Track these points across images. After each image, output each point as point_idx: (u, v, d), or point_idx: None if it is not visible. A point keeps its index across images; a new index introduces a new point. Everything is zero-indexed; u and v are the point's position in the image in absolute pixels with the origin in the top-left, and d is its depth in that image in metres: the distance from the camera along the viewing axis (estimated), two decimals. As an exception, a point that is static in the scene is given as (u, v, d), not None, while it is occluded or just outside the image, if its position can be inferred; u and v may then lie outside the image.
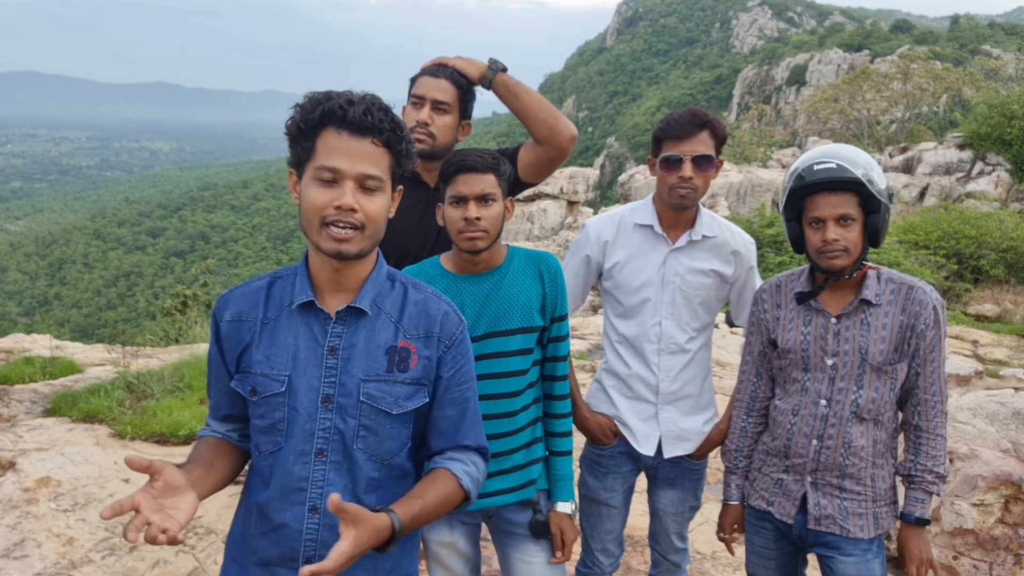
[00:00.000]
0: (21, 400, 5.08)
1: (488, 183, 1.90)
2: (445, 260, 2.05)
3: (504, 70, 2.36)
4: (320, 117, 1.38)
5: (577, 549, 2.43)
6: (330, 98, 1.38)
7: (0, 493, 3.77)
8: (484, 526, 2.18)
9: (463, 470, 1.51)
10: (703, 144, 2.19)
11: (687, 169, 2.18)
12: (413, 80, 2.36)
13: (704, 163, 2.19)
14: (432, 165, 2.39)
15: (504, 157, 1.99)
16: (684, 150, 2.18)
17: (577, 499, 2.24)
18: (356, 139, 1.38)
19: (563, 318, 2.07)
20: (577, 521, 2.21)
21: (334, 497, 1.21)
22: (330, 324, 1.46)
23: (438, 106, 2.30)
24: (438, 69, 2.32)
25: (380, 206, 1.42)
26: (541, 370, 2.11)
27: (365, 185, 1.39)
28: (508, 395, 2.00)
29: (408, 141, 1.45)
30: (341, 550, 1.23)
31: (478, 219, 1.88)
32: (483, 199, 1.90)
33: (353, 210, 1.37)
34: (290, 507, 1.44)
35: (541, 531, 2.05)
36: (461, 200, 1.90)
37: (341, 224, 1.37)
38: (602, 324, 2.48)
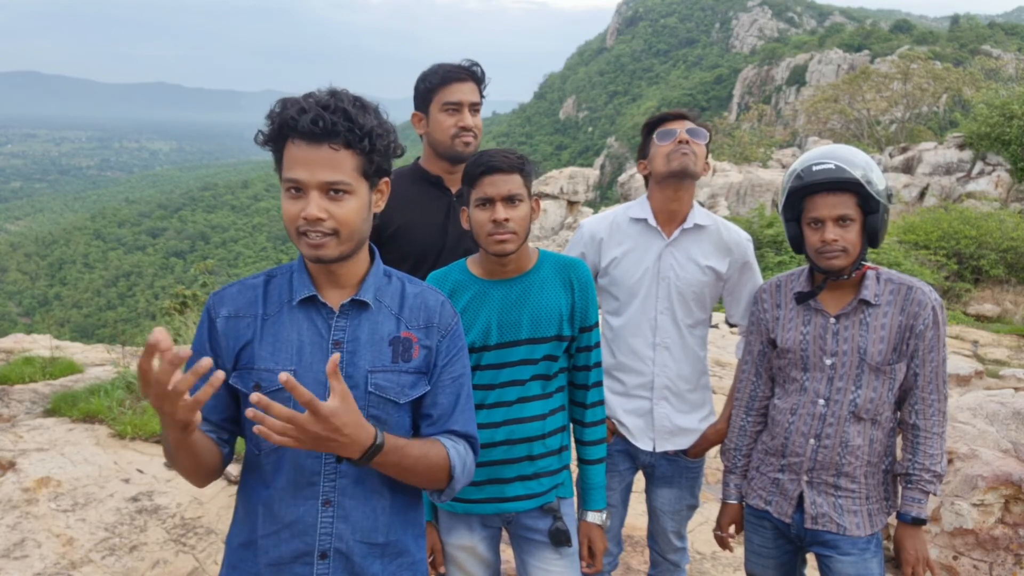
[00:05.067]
0: (21, 400, 5.08)
1: (514, 183, 1.87)
2: (472, 264, 2.02)
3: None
4: (279, 129, 1.39)
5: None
6: (286, 107, 1.37)
7: (0, 493, 3.77)
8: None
9: (452, 445, 1.53)
10: (692, 124, 2.27)
11: (682, 135, 2.23)
12: (432, 87, 2.33)
13: (697, 135, 2.25)
14: (455, 169, 2.39)
15: (525, 157, 1.97)
16: (676, 126, 2.27)
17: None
18: (313, 147, 1.36)
19: (592, 327, 2.04)
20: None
21: (335, 359, 1.24)
22: (333, 318, 1.48)
23: (474, 108, 2.35)
24: (464, 72, 2.34)
25: (351, 209, 1.41)
26: (570, 379, 2.09)
27: (331, 191, 1.39)
28: (530, 399, 1.98)
29: (374, 136, 1.41)
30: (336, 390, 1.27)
31: (506, 220, 1.85)
32: (510, 200, 1.87)
33: (320, 219, 1.37)
34: (302, 502, 1.45)
35: (561, 539, 2.01)
36: (488, 202, 1.88)
37: (313, 233, 1.38)
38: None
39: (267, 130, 1.40)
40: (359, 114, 1.39)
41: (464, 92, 2.32)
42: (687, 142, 2.22)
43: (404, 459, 1.41)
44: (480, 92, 2.38)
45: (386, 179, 1.50)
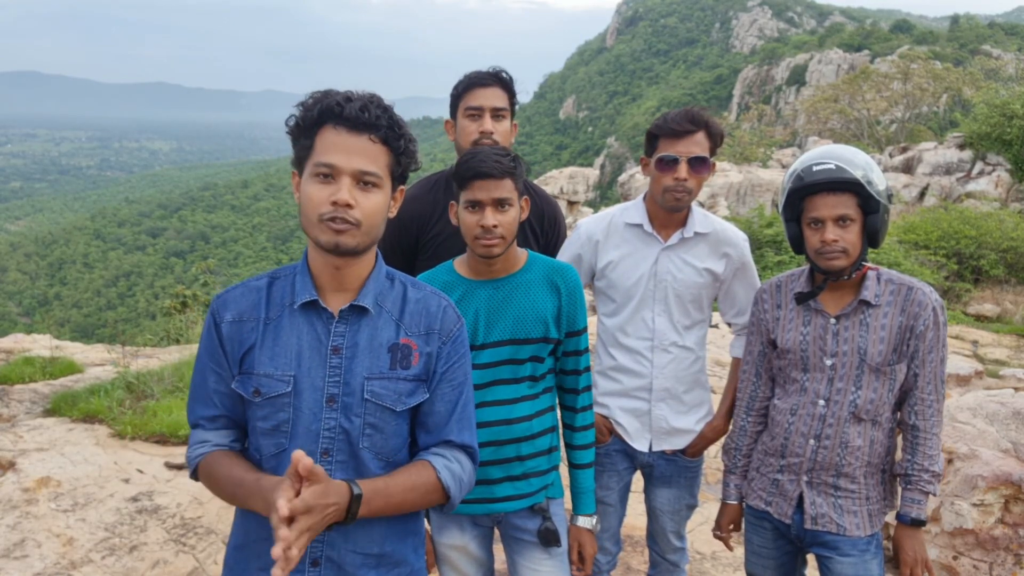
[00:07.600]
0: (21, 400, 5.08)
1: (505, 188, 1.87)
2: (459, 265, 2.02)
3: None
4: (319, 114, 1.39)
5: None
6: (328, 96, 1.40)
7: (0, 493, 3.77)
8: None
9: (444, 464, 1.49)
10: (699, 145, 2.19)
11: (682, 171, 2.18)
12: (458, 93, 2.37)
13: (699, 165, 2.19)
14: None
15: (517, 157, 1.95)
16: (680, 150, 2.18)
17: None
18: (353, 136, 1.39)
19: (580, 332, 2.03)
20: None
21: (305, 461, 1.21)
22: (333, 323, 1.47)
23: (497, 113, 2.34)
24: (487, 78, 2.35)
25: (377, 203, 1.42)
26: (559, 382, 2.09)
27: (362, 181, 1.40)
28: (518, 400, 1.98)
29: (408, 140, 1.45)
30: (299, 501, 1.22)
31: (495, 227, 1.85)
32: (500, 204, 1.87)
33: (349, 206, 1.38)
34: None
35: (550, 539, 2.01)
36: (478, 205, 1.87)
37: (338, 220, 1.38)
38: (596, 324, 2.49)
39: (303, 114, 1.41)
40: (396, 116, 1.43)
41: (486, 97, 2.32)
42: (685, 179, 2.18)
43: (390, 499, 1.40)
44: (509, 99, 2.38)
45: (402, 187, 1.51)
